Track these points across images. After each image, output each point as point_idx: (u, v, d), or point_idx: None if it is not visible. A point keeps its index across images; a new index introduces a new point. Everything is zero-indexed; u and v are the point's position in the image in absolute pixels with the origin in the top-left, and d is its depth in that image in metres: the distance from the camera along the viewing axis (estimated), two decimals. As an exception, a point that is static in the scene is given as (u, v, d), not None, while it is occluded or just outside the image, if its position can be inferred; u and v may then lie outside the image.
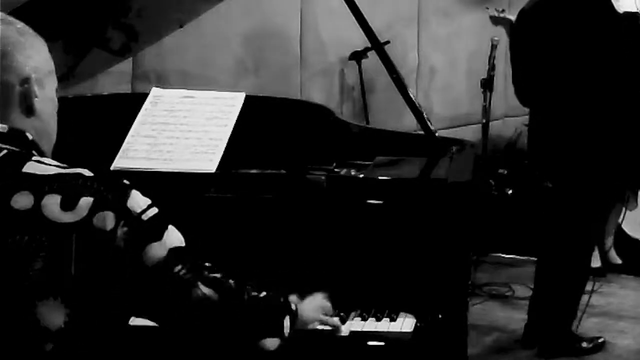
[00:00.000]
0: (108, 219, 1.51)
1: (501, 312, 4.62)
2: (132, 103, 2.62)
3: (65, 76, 2.91)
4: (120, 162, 2.45)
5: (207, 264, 1.67)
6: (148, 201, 1.58)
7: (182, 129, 2.53)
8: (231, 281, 1.70)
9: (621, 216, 5.24)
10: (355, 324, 2.19)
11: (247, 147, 2.54)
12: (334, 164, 2.60)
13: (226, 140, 2.48)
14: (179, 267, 1.58)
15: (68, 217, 1.49)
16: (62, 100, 2.84)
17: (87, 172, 1.55)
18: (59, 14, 2.61)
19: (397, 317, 2.21)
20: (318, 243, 2.29)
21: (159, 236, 1.57)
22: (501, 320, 4.48)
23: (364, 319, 2.20)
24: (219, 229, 2.30)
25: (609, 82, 3.75)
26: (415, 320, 2.19)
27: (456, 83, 6.12)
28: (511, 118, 6.20)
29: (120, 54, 3.08)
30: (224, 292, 1.66)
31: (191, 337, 1.66)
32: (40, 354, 1.48)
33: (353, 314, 2.22)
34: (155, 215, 1.57)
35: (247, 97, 2.61)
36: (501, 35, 5.51)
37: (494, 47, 5.29)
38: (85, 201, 1.50)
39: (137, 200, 1.56)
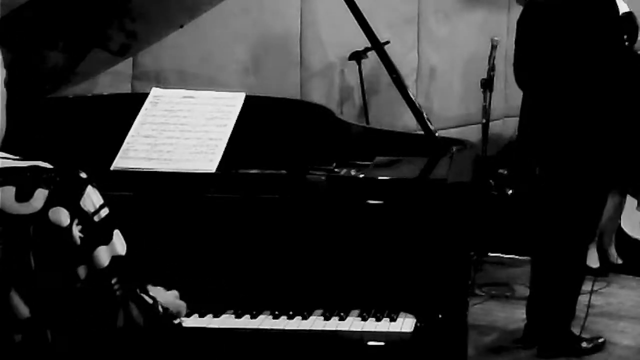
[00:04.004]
0: (63, 215, 1.50)
1: (501, 312, 4.61)
2: (132, 103, 2.62)
3: (65, 76, 2.91)
4: (120, 162, 2.45)
5: (139, 280, 1.64)
6: (101, 200, 1.56)
7: (182, 129, 2.53)
8: (160, 307, 1.67)
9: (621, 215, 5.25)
10: (355, 324, 2.19)
11: (247, 147, 2.54)
12: (334, 164, 2.60)
13: (226, 140, 2.48)
14: (115, 279, 1.56)
15: (24, 209, 1.49)
16: (62, 100, 2.86)
17: (44, 164, 1.55)
18: (59, 14, 2.61)
19: (397, 317, 2.20)
20: (318, 243, 2.28)
21: (107, 239, 1.56)
22: (501, 320, 4.48)
23: (364, 319, 2.20)
24: (219, 229, 2.30)
25: (609, 77, 3.78)
26: (415, 320, 2.19)
27: (456, 83, 6.12)
28: (511, 118, 6.19)
29: (120, 54, 3.08)
30: (151, 319, 1.63)
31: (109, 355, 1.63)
32: (10, 345, 1.49)
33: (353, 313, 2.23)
34: (106, 217, 1.56)
35: (247, 97, 2.61)
36: (501, 36, 5.51)
37: (494, 47, 5.28)
38: (41, 193, 1.50)
39: (91, 199, 1.55)
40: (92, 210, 1.54)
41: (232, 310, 2.23)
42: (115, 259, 1.56)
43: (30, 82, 2.24)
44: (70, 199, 1.52)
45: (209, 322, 2.19)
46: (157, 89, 2.67)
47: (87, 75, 3.12)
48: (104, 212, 1.56)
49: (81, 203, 1.53)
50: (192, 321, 2.17)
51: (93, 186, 1.56)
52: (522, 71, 4.03)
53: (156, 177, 2.40)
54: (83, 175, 1.56)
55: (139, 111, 2.58)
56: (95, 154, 2.41)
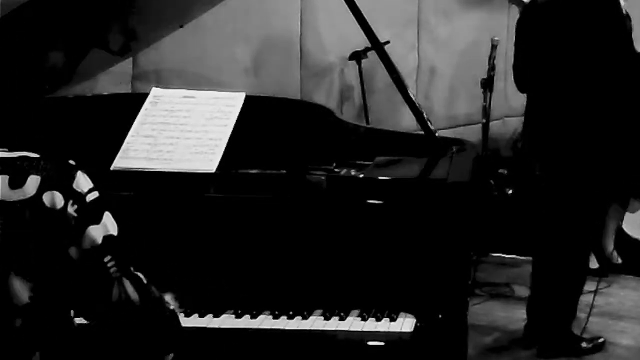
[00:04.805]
0: (57, 198, 1.55)
1: (501, 312, 4.61)
2: (132, 103, 2.62)
3: (65, 76, 2.91)
4: (120, 162, 2.45)
5: (132, 261, 1.67)
6: (90, 184, 1.61)
7: (182, 129, 2.53)
8: (154, 289, 1.69)
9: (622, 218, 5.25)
10: (355, 324, 2.19)
11: (247, 147, 2.54)
12: (334, 164, 2.60)
13: (226, 140, 2.48)
14: (109, 257, 1.60)
15: (17, 195, 1.53)
16: (62, 100, 2.86)
17: (32, 154, 1.59)
18: (59, 14, 2.61)
19: (397, 317, 2.21)
20: (318, 243, 2.28)
21: (98, 219, 1.59)
22: (501, 320, 4.48)
23: (364, 319, 2.20)
24: (219, 229, 2.31)
25: (612, 79, 3.77)
26: (415, 320, 2.19)
27: (456, 83, 6.12)
28: (511, 118, 6.20)
29: (120, 54, 3.08)
30: (146, 297, 1.65)
31: (106, 335, 1.65)
32: (10, 330, 1.51)
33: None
34: (96, 199, 1.60)
35: (247, 97, 2.61)
36: (501, 36, 5.51)
37: (494, 47, 5.28)
38: (33, 179, 1.55)
39: (82, 182, 1.59)
40: (85, 190, 1.58)
41: (232, 310, 2.23)
42: (108, 238, 1.60)
43: (30, 82, 2.25)
44: (63, 182, 1.57)
45: (209, 322, 2.19)
46: (157, 89, 2.67)
47: (87, 75, 3.12)
48: (95, 194, 1.61)
49: (74, 185, 1.57)
50: (192, 321, 2.17)
51: (82, 171, 1.60)
52: (522, 74, 4.02)
53: (156, 177, 2.40)
54: (72, 162, 1.61)
55: (139, 111, 2.58)
56: (95, 154, 2.41)
